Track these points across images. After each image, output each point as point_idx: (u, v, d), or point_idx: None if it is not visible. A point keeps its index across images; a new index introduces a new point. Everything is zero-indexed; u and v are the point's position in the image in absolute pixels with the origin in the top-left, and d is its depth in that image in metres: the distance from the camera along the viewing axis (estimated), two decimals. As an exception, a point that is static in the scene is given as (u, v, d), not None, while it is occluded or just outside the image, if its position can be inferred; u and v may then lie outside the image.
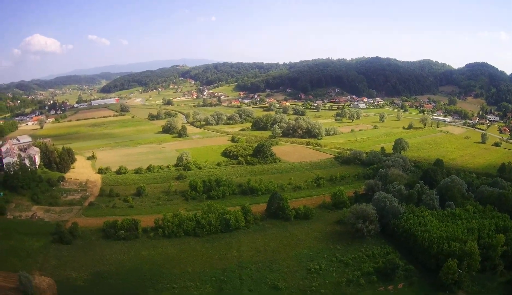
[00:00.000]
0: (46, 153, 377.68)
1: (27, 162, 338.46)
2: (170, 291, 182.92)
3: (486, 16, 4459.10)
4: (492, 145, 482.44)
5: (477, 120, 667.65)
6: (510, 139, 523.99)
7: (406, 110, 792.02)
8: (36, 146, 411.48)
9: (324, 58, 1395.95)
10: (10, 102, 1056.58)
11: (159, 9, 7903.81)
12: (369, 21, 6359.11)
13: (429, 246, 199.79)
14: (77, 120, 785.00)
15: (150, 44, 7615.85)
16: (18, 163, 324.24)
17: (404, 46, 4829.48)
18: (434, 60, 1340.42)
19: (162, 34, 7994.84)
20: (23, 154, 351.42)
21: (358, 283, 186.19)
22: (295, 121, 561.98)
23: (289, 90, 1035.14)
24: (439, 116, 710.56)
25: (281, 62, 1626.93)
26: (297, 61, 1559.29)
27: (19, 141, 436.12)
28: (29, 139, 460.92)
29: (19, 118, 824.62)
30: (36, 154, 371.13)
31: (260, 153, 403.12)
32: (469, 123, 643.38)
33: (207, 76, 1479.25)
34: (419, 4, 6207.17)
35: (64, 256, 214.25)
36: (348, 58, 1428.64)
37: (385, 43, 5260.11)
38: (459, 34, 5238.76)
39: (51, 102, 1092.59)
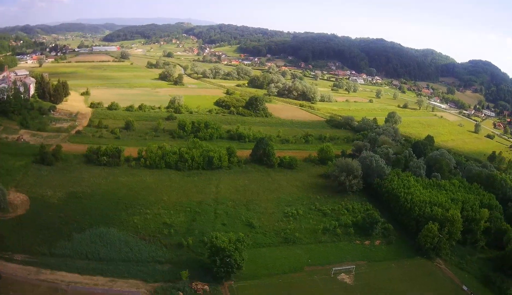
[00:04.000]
0: (41, 84, 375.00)
1: (21, 89, 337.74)
2: (143, 216, 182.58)
3: (496, 20, 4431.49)
4: (484, 136, 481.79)
5: (473, 111, 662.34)
6: (503, 135, 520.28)
7: (403, 92, 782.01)
8: (32, 77, 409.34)
9: (329, 33, 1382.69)
10: (13, 42, 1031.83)
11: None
12: (379, 7, 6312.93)
13: (411, 208, 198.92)
14: (76, 62, 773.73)
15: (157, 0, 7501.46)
16: (13, 89, 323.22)
17: (410, 34, 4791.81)
18: (438, 51, 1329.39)
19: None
20: (18, 83, 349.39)
21: (335, 233, 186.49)
22: (291, 82, 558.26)
23: (290, 58, 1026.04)
24: (436, 102, 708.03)
25: (285, 31, 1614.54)
26: (302, 32, 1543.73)
27: (16, 73, 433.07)
28: (26, 72, 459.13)
29: (19, 56, 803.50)
30: (31, 84, 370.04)
31: (253, 105, 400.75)
32: (464, 113, 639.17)
33: (211, 36, 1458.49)
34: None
35: (43, 176, 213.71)
36: (353, 37, 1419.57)
37: (391, 30, 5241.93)
38: (466, 32, 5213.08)
39: (53, 45, 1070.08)
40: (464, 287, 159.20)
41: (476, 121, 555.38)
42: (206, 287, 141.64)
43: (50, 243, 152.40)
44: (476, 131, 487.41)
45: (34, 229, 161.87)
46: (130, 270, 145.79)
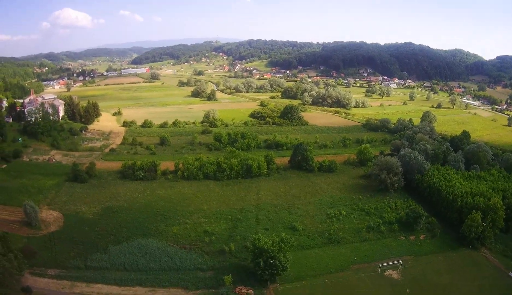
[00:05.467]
0: (70, 106, 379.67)
1: (50, 111, 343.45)
2: (182, 226, 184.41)
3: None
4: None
5: (505, 106, 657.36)
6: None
7: (436, 92, 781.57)
8: (60, 99, 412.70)
9: (358, 41, 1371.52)
10: (37, 69, 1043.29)
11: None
12: (405, 10, 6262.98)
13: (453, 199, 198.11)
14: (106, 85, 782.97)
15: (184, 22, 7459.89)
16: (41, 111, 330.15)
17: (437, 36, 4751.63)
18: (466, 50, 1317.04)
19: (197, 14, 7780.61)
20: (46, 105, 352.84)
21: (379, 231, 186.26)
22: (325, 90, 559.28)
23: (321, 68, 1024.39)
24: (468, 100, 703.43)
25: (314, 42, 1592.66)
26: (331, 42, 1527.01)
27: (43, 97, 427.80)
28: (54, 96, 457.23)
29: (45, 82, 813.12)
30: (60, 106, 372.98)
31: (288, 115, 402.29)
32: (497, 108, 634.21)
33: (240, 52, 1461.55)
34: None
35: (76, 193, 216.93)
36: (382, 43, 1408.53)
37: (419, 33, 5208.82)
38: (492, 29, 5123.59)
39: (80, 70, 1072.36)
40: (511, 274, 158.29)
41: (509, 115, 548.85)
42: (251, 291, 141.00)
43: (85, 256, 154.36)
44: (509, 125, 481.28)
45: (68, 244, 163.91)
46: (171, 279, 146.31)
